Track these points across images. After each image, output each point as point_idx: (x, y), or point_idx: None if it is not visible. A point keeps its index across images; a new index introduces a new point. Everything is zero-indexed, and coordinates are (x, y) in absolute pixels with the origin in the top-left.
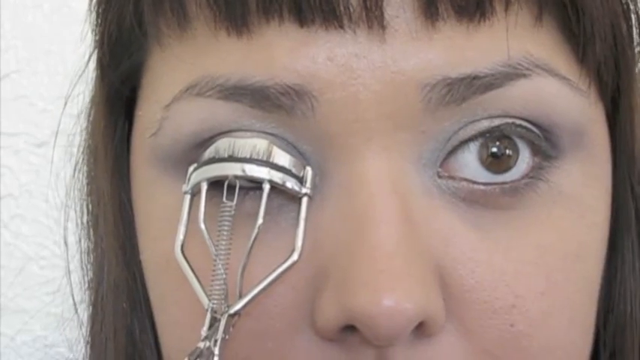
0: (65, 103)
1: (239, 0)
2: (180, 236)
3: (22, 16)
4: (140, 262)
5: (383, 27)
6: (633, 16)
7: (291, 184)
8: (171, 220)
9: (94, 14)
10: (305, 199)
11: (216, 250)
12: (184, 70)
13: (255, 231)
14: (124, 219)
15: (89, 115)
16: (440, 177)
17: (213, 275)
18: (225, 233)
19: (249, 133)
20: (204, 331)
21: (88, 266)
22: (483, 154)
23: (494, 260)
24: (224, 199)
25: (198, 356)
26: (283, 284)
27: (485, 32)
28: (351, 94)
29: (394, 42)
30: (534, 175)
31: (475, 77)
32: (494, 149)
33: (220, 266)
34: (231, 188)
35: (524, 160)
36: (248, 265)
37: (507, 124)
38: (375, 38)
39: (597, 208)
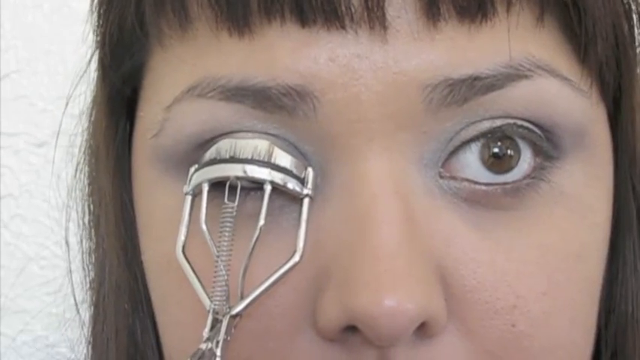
0: (67, 104)
1: (241, 0)
2: (182, 237)
3: (22, 16)
4: (142, 262)
5: (384, 27)
6: (635, 16)
7: (292, 184)
8: (172, 221)
9: (95, 15)
10: (306, 200)
11: (217, 251)
12: (186, 71)
13: (257, 232)
14: (125, 219)
15: (90, 116)
16: (441, 177)
17: (214, 276)
18: (226, 234)
19: (250, 134)
20: (205, 332)
21: (90, 266)
22: (485, 155)
23: (496, 260)
24: (225, 200)
25: (200, 357)
26: (285, 285)
27: (487, 33)
28: (353, 95)
29: (396, 42)
30: (536, 175)
31: (477, 78)
32: (496, 150)
33: (222, 267)
34: (233, 189)
35: (526, 160)
36: (249, 266)
37: (509, 124)
38: (377, 39)
39: (599, 208)
